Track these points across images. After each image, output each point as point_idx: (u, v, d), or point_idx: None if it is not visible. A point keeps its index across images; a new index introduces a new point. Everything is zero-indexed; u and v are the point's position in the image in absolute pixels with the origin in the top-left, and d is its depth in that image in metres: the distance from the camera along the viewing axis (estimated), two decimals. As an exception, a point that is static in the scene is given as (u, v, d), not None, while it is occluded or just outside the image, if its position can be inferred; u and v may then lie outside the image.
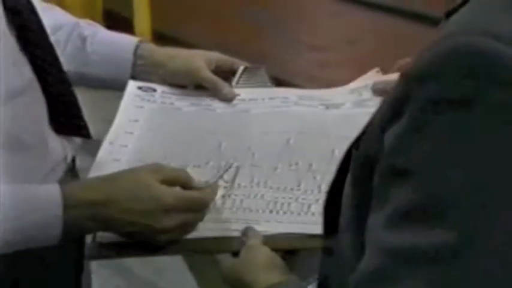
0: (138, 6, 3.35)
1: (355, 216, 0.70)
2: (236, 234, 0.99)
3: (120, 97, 1.24)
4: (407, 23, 3.48)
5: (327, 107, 1.26)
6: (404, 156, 0.60)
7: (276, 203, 1.06)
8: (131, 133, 1.19)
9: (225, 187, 1.09)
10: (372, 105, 1.20)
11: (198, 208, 1.00)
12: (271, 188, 1.09)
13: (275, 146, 1.17)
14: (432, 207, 0.58)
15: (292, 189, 1.08)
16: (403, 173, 0.60)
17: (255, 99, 1.29)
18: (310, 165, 1.12)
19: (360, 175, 0.69)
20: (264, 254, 0.92)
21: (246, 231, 0.98)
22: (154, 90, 1.27)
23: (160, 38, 3.35)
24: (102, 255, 1.05)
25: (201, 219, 1.00)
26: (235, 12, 3.88)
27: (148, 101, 1.26)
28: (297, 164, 1.14)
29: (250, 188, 1.09)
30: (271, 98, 1.30)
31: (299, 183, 1.10)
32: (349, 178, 0.72)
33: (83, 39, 1.26)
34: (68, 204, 0.95)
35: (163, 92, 1.28)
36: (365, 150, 0.68)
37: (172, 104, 1.27)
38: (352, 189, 0.71)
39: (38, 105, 1.09)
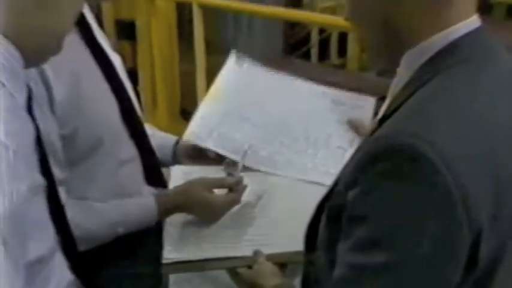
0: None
1: (328, 242, 0.69)
2: (250, 254, 0.94)
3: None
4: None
5: (335, 103, 1.18)
6: (360, 208, 0.62)
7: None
8: None
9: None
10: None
11: (232, 204, 1.03)
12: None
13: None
14: (378, 239, 0.60)
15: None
16: (359, 218, 0.61)
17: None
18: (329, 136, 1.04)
19: (332, 217, 0.68)
20: (269, 266, 0.90)
21: (257, 253, 0.94)
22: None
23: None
24: (171, 272, 1.03)
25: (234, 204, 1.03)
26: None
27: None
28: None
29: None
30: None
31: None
32: (324, 217, 0.71)
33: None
34: (159, 207, 1.04)
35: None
36: (336, 201, 0.68)
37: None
38: (327, 224, 0.71)
39: (137, 169, 1.10)
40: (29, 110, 0.66)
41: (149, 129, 1.25)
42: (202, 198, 1.02)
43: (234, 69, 1.19)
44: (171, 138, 1.28)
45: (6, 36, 0.58)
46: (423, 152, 0.57)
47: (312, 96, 1.17)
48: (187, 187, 1.06)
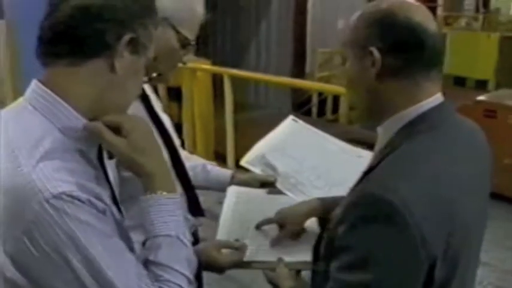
0: (229, 149, 3.14)
1: (326, 256, 0.70)
2: (274, 260, 0.93)
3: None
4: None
5: (358, 156, 1.12)
6: (345, 240, 0.63)
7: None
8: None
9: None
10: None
11: (236, 263, 0.93)
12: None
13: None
14: (359, 263, 0.61)
15: None
16: (345, 247, 0.63)
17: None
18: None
19: (328, 243, 0.69)
20: (287, 271, 0.88)
21: (279, 260, 0.92)
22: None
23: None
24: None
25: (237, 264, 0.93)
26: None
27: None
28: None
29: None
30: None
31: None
32: (323, 241, 0.72)
33: (206, 171, 1.20)
34: None
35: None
36: (331, 232, 0.68)
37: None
38: (325, 247, 0.71)
39: (183, 202, 1.05)
40: (100, 158, 0.68)
41: (209, 164, 1.22)
42: (210, 257, 0.93)
43: (290, 123, 1.20)
44: (227, 172, 1.22)
45: (86, 111, 0.62)
46: (390, 201, 0.58)
47: (341, 150, 1.17)
48: (200, 248, 0.94)
